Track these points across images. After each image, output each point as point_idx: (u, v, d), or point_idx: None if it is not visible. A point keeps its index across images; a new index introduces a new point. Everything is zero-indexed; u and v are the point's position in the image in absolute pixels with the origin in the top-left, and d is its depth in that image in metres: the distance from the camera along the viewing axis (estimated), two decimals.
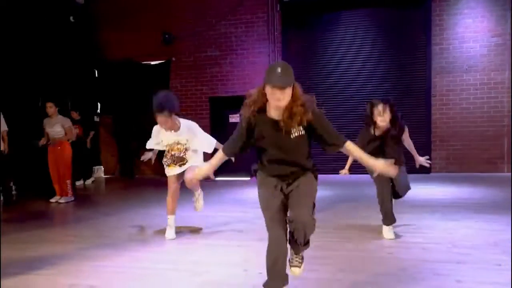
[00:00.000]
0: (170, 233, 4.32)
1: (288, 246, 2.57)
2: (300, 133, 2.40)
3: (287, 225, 2.50)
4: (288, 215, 2.51)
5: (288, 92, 2.28)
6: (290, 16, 9.35)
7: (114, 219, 5.40)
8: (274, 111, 2.39)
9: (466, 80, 8.63)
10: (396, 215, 4.07)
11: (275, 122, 2.39)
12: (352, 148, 2.47)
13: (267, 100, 2.36)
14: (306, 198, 2.46)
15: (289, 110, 2.32)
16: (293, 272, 2.62)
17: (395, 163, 3.59)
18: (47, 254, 3.84)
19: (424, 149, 8.51)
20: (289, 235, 2.51)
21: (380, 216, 4.09)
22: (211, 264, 3.46)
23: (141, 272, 3.35)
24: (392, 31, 8.89)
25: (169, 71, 10.16)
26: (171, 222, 4.35)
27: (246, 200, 6.46)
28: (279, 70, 2.27)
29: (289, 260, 2.62)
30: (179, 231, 4.49)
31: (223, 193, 7.36)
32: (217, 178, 9.46)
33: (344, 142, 2.44)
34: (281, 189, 2.51)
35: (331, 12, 9.16)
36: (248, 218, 5.04)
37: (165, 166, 4.38)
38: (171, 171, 4.33)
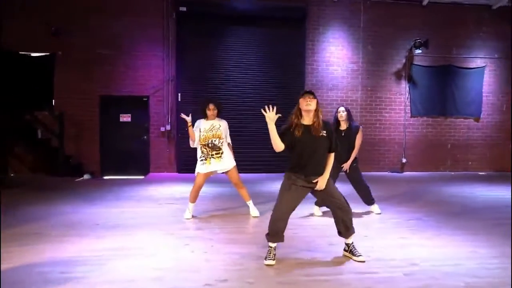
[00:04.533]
0: (188, 214, 5.31)
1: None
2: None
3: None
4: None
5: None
6: (185, 25, 9.97)
7: None
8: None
9: (330, 96, 10.55)
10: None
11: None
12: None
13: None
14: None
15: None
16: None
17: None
18: None
19: None
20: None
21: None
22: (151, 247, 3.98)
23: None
24: (276, 49, 10.26)
25: (53, 65, 9.70)
26: (191, 207, 5.31)
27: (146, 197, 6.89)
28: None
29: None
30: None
31: (118, 191, 7.55)
32: (108, 177, 9.53)
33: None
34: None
35: (223, 26, 10.10)
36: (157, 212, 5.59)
37: (200, 163, 5.17)
38: (208, 167, 5.16)
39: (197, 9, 9.80)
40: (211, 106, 5.18)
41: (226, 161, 5.20)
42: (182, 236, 4.45)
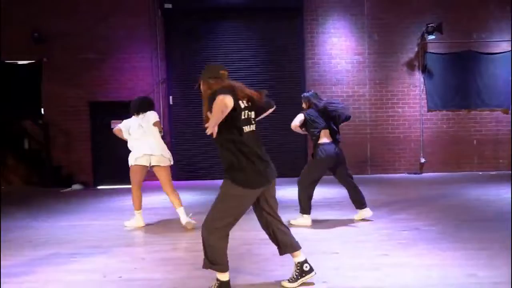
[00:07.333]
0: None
1: None
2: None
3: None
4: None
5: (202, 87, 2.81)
6: (173, 23, 9.37)
7: None
8: None
9: (335, 92, 9.53)
10: None
11: None
12: None
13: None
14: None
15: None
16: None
17: None
18: None
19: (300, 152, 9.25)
20: None
21: None
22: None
23: None
24: (272, 43, 9.44)
25: (41, 72, 9.33)
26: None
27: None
28: None
29: None
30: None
31: (98, 202, 6.95)
32: (102, 187, 9.03)
33: None
34: None
35: (213, 22, 9.40)
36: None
37: None
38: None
39: (184, 4, 9.17)
40: None
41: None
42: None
